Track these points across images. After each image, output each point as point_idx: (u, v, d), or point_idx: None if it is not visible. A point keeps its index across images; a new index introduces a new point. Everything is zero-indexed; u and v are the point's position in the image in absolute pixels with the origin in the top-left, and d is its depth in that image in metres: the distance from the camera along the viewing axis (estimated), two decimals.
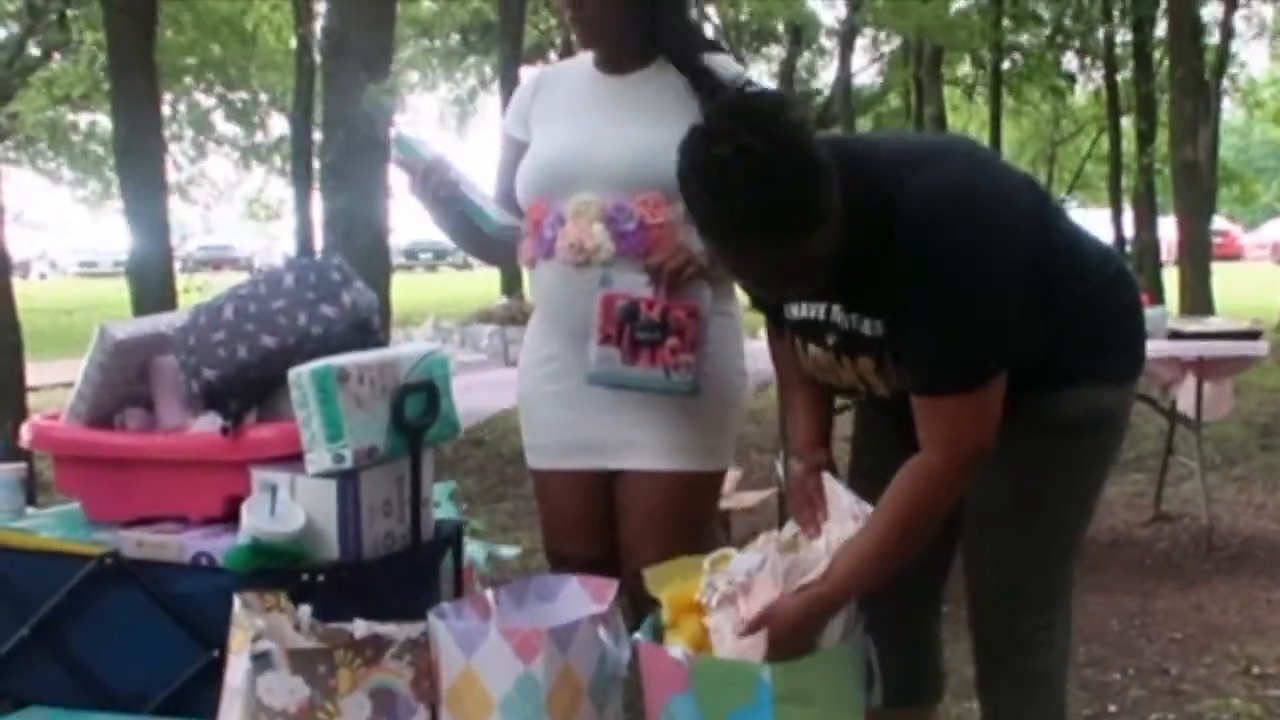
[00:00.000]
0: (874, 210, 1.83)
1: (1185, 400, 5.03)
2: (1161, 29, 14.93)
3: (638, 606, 2.26)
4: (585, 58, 2.47)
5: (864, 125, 17.08)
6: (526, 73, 14.95)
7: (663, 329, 2.25)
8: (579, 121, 2.38)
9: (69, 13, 14.17)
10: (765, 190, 1.71)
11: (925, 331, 1.85)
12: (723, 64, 2.37)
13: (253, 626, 1.93)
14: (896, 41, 15.71)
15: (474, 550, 3.15)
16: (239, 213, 20.83)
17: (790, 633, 1.88)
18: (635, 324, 2.25)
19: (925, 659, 2.33)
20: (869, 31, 16.88)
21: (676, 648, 1.94)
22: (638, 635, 2.01)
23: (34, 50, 14.73)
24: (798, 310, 2.04)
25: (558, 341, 2.42)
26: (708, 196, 1.75)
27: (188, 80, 16.06)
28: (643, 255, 2.29)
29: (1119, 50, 18.28)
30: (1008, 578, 2.12)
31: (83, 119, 18.01)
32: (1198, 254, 11.70)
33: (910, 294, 1.84)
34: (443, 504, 2.74)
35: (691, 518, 2.40)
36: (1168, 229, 14.96)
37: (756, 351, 2.60)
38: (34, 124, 16.66)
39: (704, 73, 2.32)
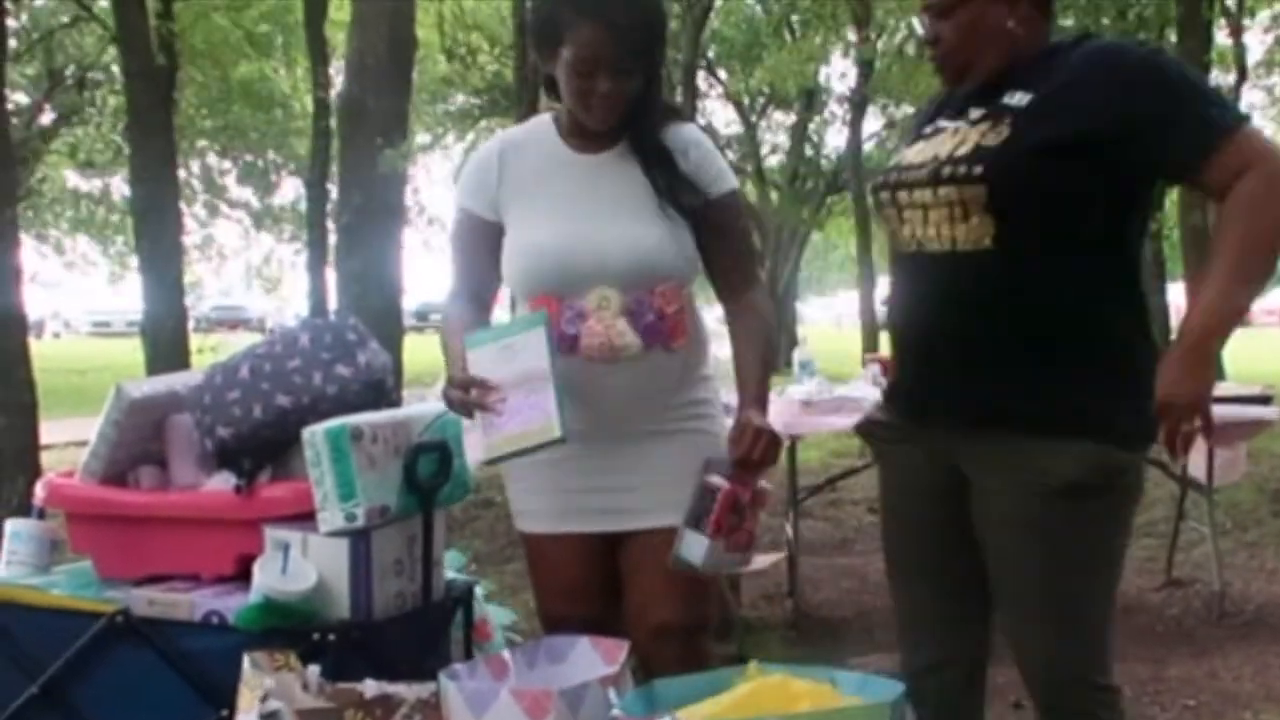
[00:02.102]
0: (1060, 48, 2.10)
1: (1196, 465, 5.01)
2: None
3: (648, 667, 2.25)
4: (543, 128, 2.39)
5: None
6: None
7: (740, 514, 2.26)
8: (572, 212, 2.30)
9: (87, 76, 14.42)
10: None
11: (1168, 106, 1.97)
12: (680, 137, 2.33)
13: (261, 686, 1.93)
14: (908, 108, 15.85)
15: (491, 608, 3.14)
16: (245, 276, 20.99)
17: (1181, 381, 1.95)
18: (733, 513, 2.26)
19: None
20: (881, 98, 17.04)
21: (666, 717, 1.90)
22: (615, 712, 1.98)
23: (53, 115, 14.97)
24: (940, 123, 2.18)
25: (575, 425, 2.38)
26: None
27: (202, 143, 16.28)
28: (665, 343, 2.29)
29: None
30: (1048, 648, 2.11)
31: (95, 185, 18.28)
32: None
33: (1123, 91, 1.98)
34: (454, 567, 2.74)
35: (703, 581, 2.39)
36: (1177, 294, 14.98)
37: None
38: (53, 193, 16.89)
39: (658, 157, 2.30)
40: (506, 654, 2.13)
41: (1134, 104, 1.98)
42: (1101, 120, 1.99)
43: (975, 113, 2.11)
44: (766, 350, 2.38)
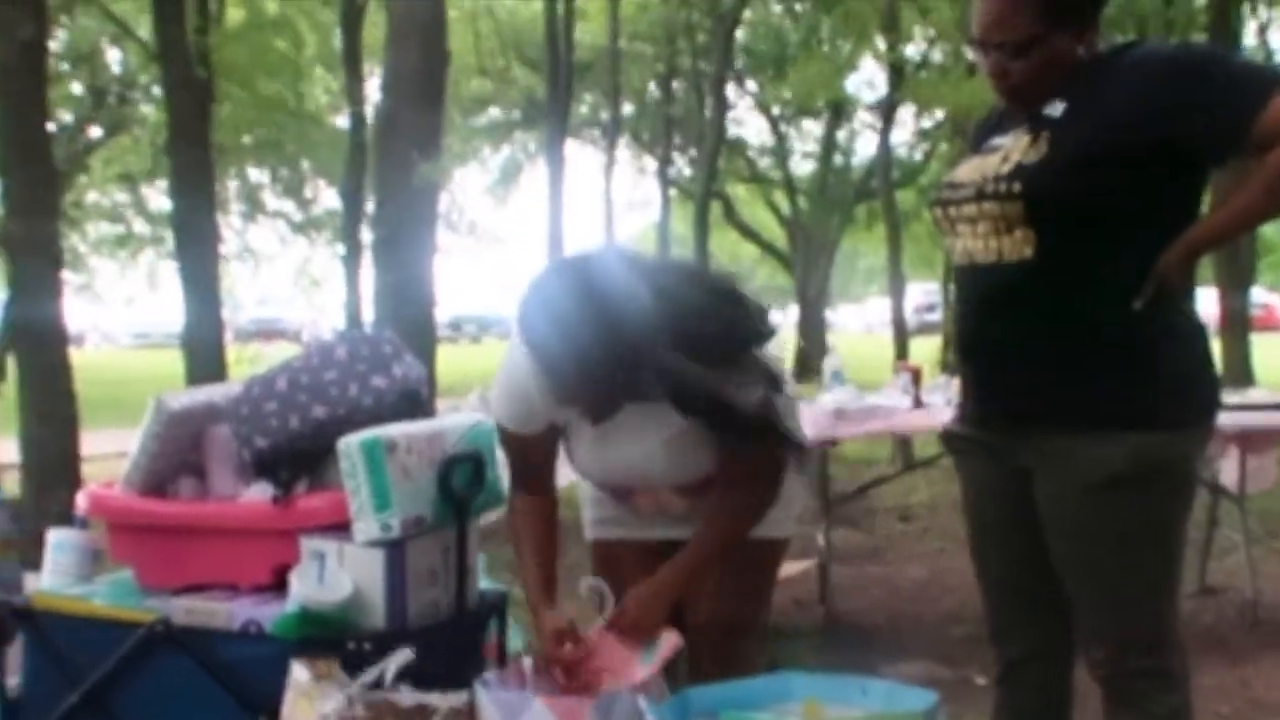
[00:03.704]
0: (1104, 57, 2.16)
1: (1228, 473, 4.99)
2: None
3: (696, 667, 2.30)
4: None
5: (905, 197, 17.09)
6: (570, 149, 15.11)
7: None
8: (614, 440, 2.28)
9: (127, 92, 14.58)
10: None
11: (1199, 88, 2.03)
12: (746, 369, 2.14)
13: (318, 695, 1.96)
14: (939, 114, 15.80)
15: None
16: (285, 284, 21.13)
17: (1175, 264, 2.07)
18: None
19: (1060, 712, 2.37)
20: (909, 105, 16.98)
21: None
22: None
23: (97, 130, 15.15)
24: (993, 140, 2.24)
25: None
26: None
27: (240, 156, 16.42)
28: (701, 495, 2.34)
29: None
30: (1106, 636, 2.17)
31: (125, 199, 18.46)
32: (1238, 325, 11.58)
33: (1172, 75, 2.06)
34: (488, 576, 2.76)
35: (753, 583, 2.42)
36: (1208, 301, 14.85)
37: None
38: (81, 213, 17.07)
39: (717, 414, 2.14)
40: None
41: (1163, 98, 2.04)
42: (1132, 124, 2.04)
43: (1023, 125, 2.17)
44: (722, 531, 2.31)
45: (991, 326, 2.18)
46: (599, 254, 2.13)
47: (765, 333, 2.17)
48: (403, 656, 2.05)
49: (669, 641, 2.24)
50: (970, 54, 2.27)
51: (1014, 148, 2.15)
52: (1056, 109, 2.13)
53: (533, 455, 2.36)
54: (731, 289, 2.16)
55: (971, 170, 2.21)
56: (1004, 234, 2.11)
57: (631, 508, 2.44)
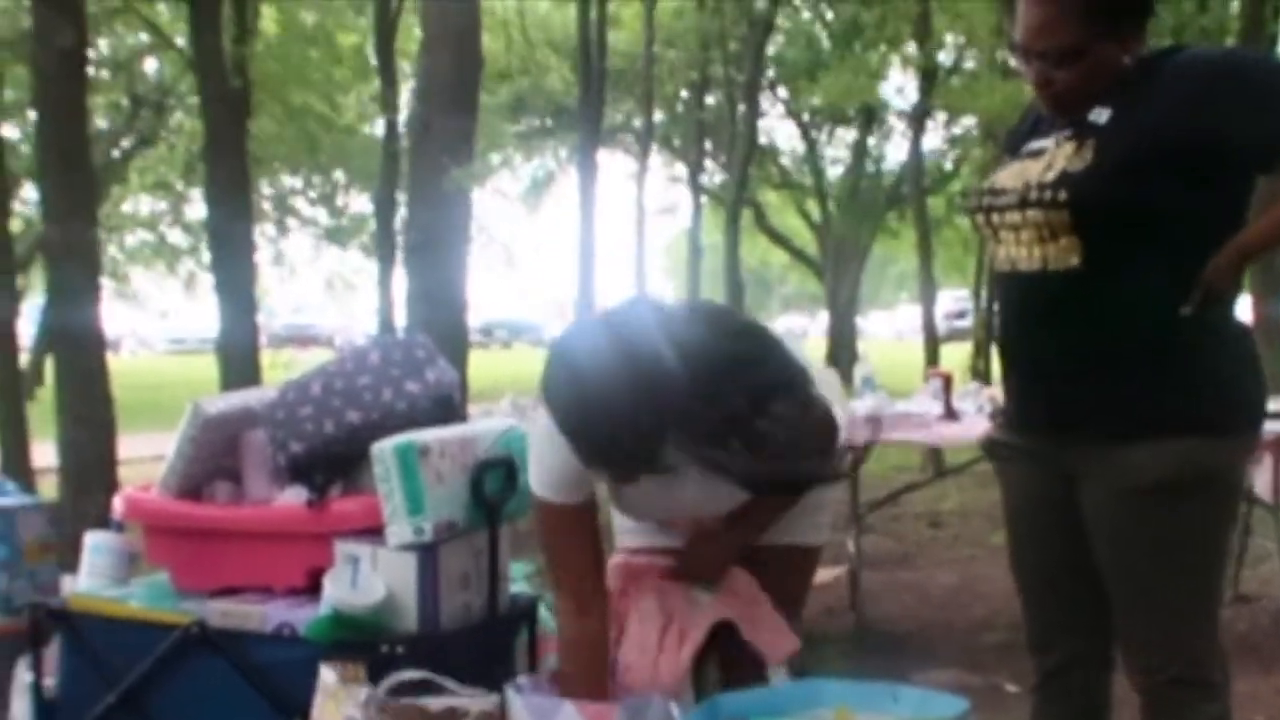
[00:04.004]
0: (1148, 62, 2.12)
1: (1262, 482, 4.94)
2: None
3: (728, 669, 2.30)
4: None
5: (936, 204, 17.02)
6: (602, 156, 15.11)
7: None
8: (661, 496, 2.19)
9: (165, 101, 14.72)
10: None
11: (1247, 94, 2.01)
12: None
13: (345, 698, 1.97)
14: (970, 121, 15.76)
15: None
16: (318, 290, 21.30)
17: (1223, 271, 2.06)
18: None
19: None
20: (941, 112, 16.93)
21: None
22: None
23: (133, 138, 15.30)
24: (1030, 144, 2.20)
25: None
26: None
27: (275, 164, 16.56)
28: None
29: None
30: (1147, 644, 2.16)
31: (162, 207, 18.65)
32: (1272, 332, 11.46)
33: (1218, 82, 2.04)
34: (518, 582, 2.78)
35: (786, 589, 2.42)
36: (1242, 308, 14.70)
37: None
38: (119, 220, 17.23)
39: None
40: None
41: (1211, 104, 2.02)
42: (1180, 130, 2.02)
43: (1065, 131, 2.14)
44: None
45: (1036, 334, 2.16)
46: (624, 313, 2.01)
47: (797, 379, 2.03)
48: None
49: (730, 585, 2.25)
50: (1012, 60, 2.20)
51: (1058, 154, 2.12)
52: (1102, 115, 2.09)
53: (578, 537, 2.17)
54: (760, 333, 2.05)
55: (1013, 176, 2.18)
56: (1049, 242, 2.09)
57: (667, 525, 2.43)
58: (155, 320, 31.09)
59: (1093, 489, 2.15)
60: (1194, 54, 2.18)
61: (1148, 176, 2.03)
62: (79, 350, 6.15)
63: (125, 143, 15.57)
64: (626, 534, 2.56)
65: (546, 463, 2.12)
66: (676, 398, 1.88)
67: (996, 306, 2.34)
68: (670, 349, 1.88)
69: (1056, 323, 2.11)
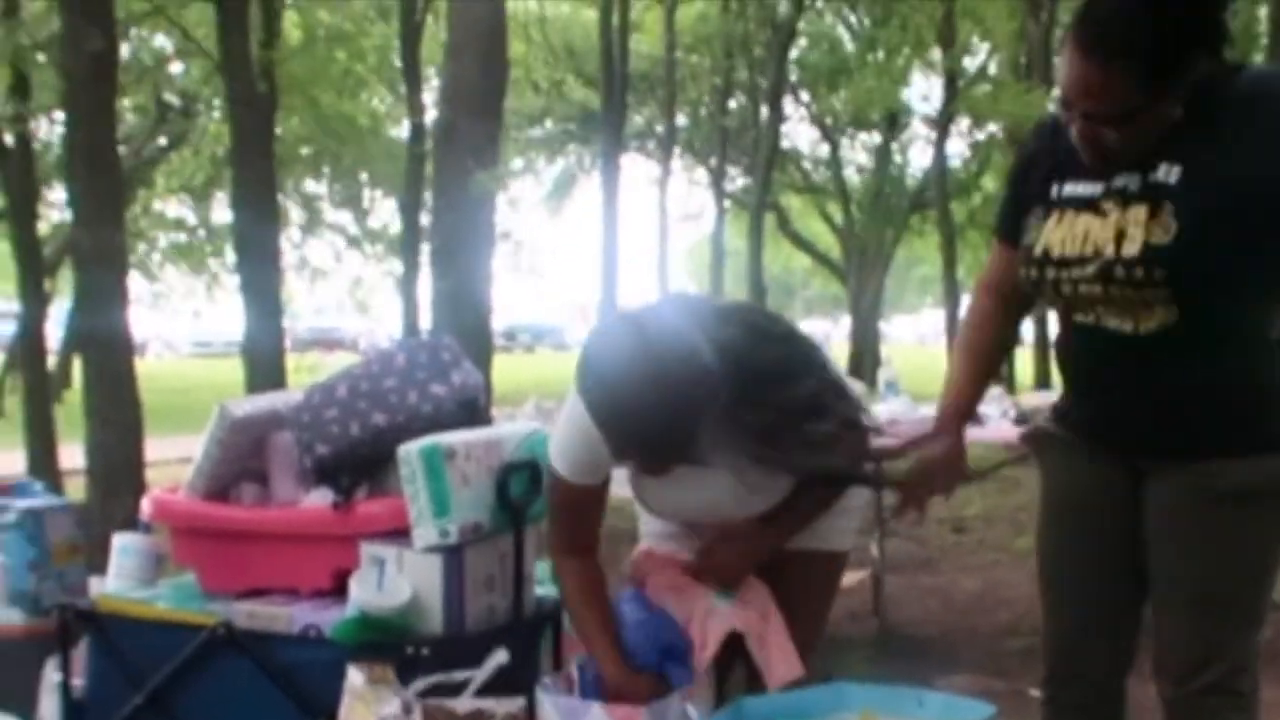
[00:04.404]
0: (1209, 89, 1.91)
1: None
2: None
3: (754, 679, 2.29)
4: None
5: (958, 209, 16.99)
6: (625, 161, 15.10)
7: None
8: (692, 491, 2.22)
9: (191, 105, 14.82)
10: (1179, 40, 1.84)
11: None
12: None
13: (375, 699, 1.98)
14: (993, 126, 15.71)
15: None
16: (342, 294, 21.40)
17: None
18: None
19: None
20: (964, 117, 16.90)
21: None
22: None
23: (161, 141, 15.41)
24: (1070, 189, 2.04)
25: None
26: (1129, 9, 1.84)
27: (300, 169, 16.67)
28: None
29: None
30: (1187, 645, 2.12)
31: (188, 212, 18.78)
32: None
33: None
34: (543, 584, 2.78)
35: (812, 593, 2.42)
36: None
37: None
38: (149, 222, 17.35)
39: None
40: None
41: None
42: (1266, 175, 1.90)
43: (1121, 181, 1.98)
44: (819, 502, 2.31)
45: (1123, 378, 2.07)
46: (663, 310, 2.03)
47: (837, 383, 2.09)
48: (496, 660, 2.07)
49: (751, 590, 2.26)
50: (1052, 105, 1.98)
51: (1128, 219, 1.96)
52: (1172, 174, 1.93)
53: (587, 510, 2.23)
54: (791, 333, 2.08)
55: (1074, 239, 2.01)
56: (1141, 310, 1.99)
57: (696, 529, 2.42)
58: (180, 324, 31.30)
59: (1166, 489, 2.10)
60: (1258, 85, 1.96)
61: (1241, 231, 1.91)
62: (107, 353, 6.20)
63: (153, 146, 15.67)
64: (653, 538, 2.55)
65: (573, 446, 2.14)
66: (713, 399, 1.90)
67: (1056, 324, 2.21)
68: (709, 349, 1.90)
69: (1148, 372, 2.04)
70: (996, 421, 4.64)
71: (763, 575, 2.34)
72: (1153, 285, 1.94)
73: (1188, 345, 1.99)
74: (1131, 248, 1.95)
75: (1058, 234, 2.04)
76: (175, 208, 19.07)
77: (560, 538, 2.25)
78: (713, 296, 2.19)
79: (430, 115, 11.05)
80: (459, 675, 2.10)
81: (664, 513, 2.35)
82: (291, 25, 12.57)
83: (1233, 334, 2.02)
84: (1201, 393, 2.03)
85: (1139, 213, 1.96)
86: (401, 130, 13.51)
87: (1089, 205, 2.01)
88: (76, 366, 8.04)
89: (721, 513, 2.25)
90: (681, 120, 18.76)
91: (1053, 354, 2.35)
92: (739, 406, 1.95)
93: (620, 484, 2.37)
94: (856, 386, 2.30)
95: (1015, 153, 2.30)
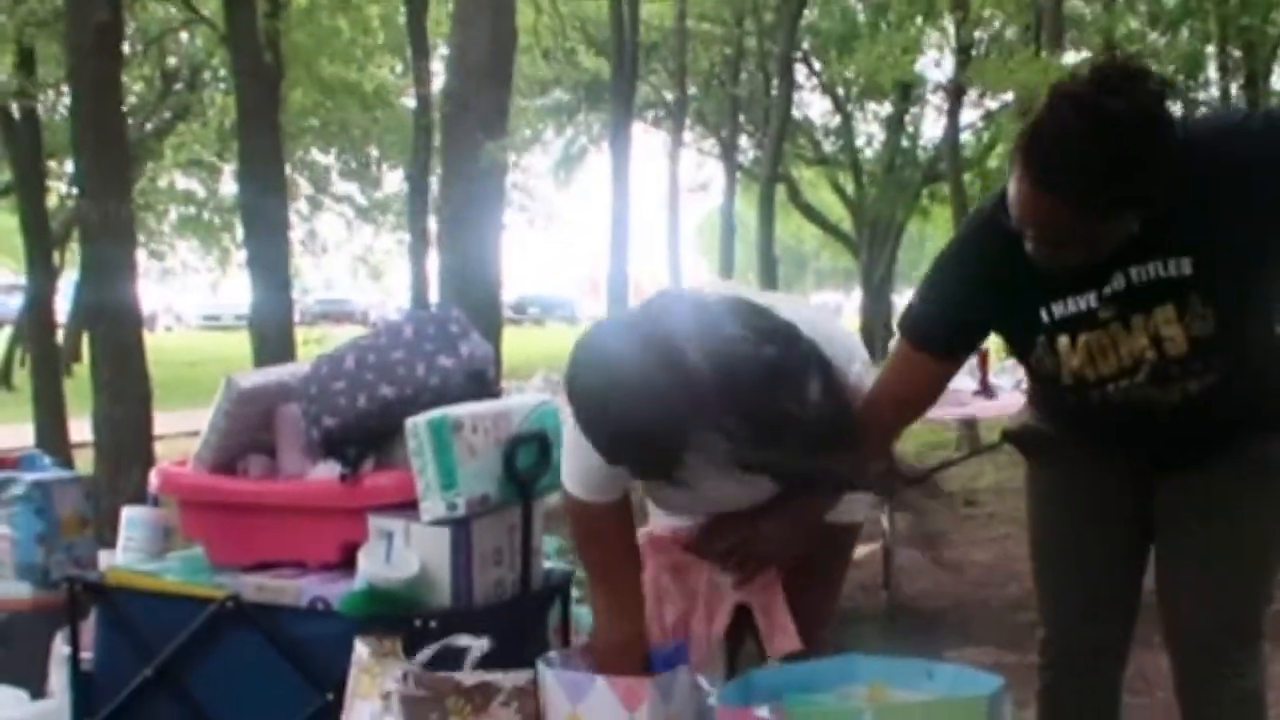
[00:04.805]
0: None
1: None
2: (1276, 79, 14.61)
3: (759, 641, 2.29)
4: None
5: (970, 180, 16.87)
6: (635, 131, 15.06)
7: None
8: (699, 490, 2.11)
9: (197, 76, 14.78)
10: (1134, 168, 1.72)
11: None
12: None
13: (380, 672, 1.98)
14: (1007, 96, 15.62)
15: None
16: (348, 268, 21.42)
17: None
18: None
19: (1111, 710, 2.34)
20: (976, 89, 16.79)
21: (763, 708, 1.90)
22: (712, 701, 2.00)
23: (167, 115, 15.39)
24: (1061, 309, 1.95)
25: None
26: (1079, 141, 1.71)
27: (307, 139, 16.63)
28: None
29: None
30: (1204, 614, 2.13)
31: (196, 185, 18.79)
32: None
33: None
34: (551, 557, 2.78)
35: (824, 565, 2.40)
36: None
37: None
38: (156, 194, 17.35)
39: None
40: None
41: (1261, 177, 1.86)
42: (1263, 217, 1.87)
43: (1116, 284, 1.91)
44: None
45: (1160, 430, 2.06)
46: (652, 313, 1.95)
47: (831, 383, 2.01)
48: (479, 648, 2.06)
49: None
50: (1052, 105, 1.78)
51: (1157, 323, 1.91)
52: (1184, 268, 1.88)
53: (609, 540, 2.14)
54: (790, 333, 1.99)
55: (1104, 358, 1.96)
56: (1188, 381, 1.98)
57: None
58: (189, 297, 31.38)
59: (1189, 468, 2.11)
60: (1204, 133, 1.90)
61: (1265, 276, 1.94)
62: (115, 326, 6.19)
63: (159, 118, 15.65)
64: (661, 518, 2.53)
65: (576, 460, 2.08)
66: (703, 409, 1.85)
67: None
68: (698, 356, 1.85)
69: (1180, 418, 2.02)
70: (1009, 393, 4.61)
71: None
72: (1210, 372, 1.95)
73: (1236, 385, 1.99)
74: (1176, 348, 1.93)
75: (1077, 358, 1.98)
76: (184, 181, 19.06)
77: (590, 571, 2.18)
78: (706, 292, 2.08)
79: (438, 84, 11.01)
80: (462, 640, 2.08)
81: (674, 510, 2.32)
82: None
83: (1262, 342, 2.03)
84: (1243, 410, 2.05)
85: (1166, 313, 1.91)
86: (410, 100, 13.44)
87: (1090, 319, 1.95)
88: (85, 340, 8.04)
89: (730, 506, 2.21)
90: (692, 90, 18.66)
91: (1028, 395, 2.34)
92: (732, 412, 1.89)
93: None
94: (861, 352, 2.26)
95: (949, 260, 2.09)
